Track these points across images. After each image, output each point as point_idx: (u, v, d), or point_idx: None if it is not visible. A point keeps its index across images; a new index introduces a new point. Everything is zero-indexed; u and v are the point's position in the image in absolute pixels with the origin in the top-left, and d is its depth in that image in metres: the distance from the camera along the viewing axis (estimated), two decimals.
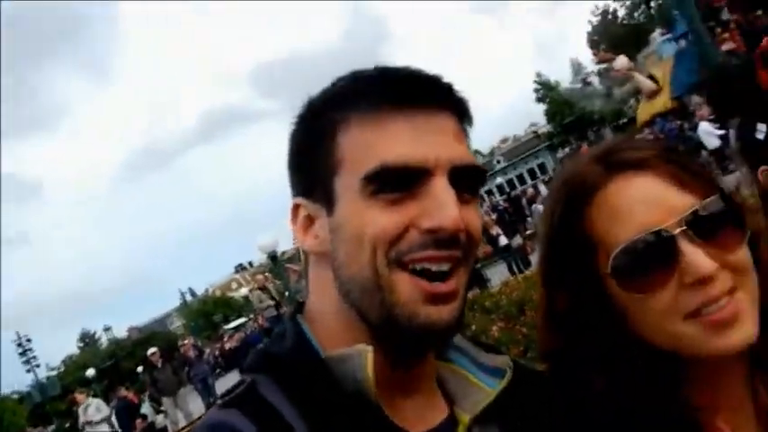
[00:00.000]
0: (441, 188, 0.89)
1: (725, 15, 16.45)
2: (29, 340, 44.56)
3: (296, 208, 0.98)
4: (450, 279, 0.90)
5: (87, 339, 72.73)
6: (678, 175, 0.93)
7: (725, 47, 13.66)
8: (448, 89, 0.96)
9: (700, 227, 0.89)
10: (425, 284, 0.88)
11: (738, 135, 1.75)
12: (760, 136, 1.58)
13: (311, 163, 0.96)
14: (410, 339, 0.90)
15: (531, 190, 31.97)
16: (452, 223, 0.88)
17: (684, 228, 0.89)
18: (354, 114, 0.92)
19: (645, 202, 0.92)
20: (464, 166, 0.92)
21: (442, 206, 0.88)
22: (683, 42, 19.34)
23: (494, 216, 23.90)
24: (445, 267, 0.90)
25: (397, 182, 0.89)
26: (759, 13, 14.66)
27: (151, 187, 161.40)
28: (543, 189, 30.07)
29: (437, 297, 0.89)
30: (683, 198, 0.92)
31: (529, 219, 23.84)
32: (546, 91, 54.33)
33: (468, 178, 0.93)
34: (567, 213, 0.98)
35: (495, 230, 18.55)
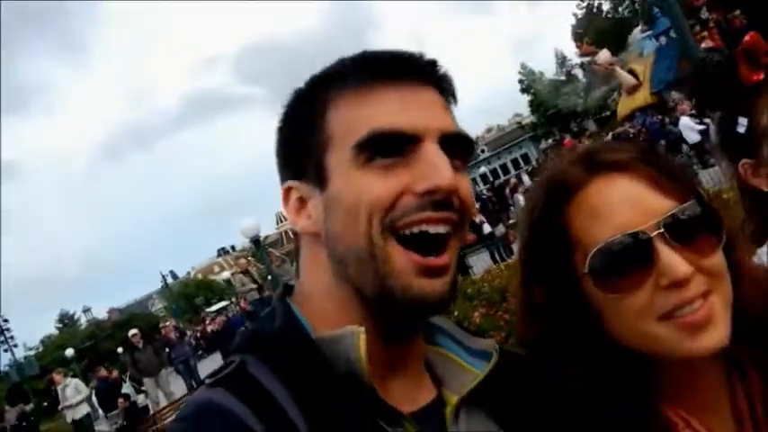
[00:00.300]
0: (432, 152, 0.90)
1: (704, 14, 16.67)
2: (6, 320, 44.13)
3: (287, 191, 0.99)
4: (443, 253, 0.91)
5: (66, 320, 71.84)
6: (658, 178, 0.94)
7: (704, 45, 13.83)
8: (431, 65, 0.98)
9: (677, 230, 0.90)
10: (418, 258, 0.89)
11: (719, 129, 1.75)
12: (741, 130, 1.58)
13: (302, 145, 0.96)
14: (404, 311, 0.91)
15: (514, 180, 32.11)
16: (447, 183, 0.89)
17: (662, 230, 0.90)
18: (342, 92, 0.94)
19: (624, 204, 0.93)
20: (453, 133, 0.95)
21: (436, 168, 0.89)
22: (663, 39, 19.57)
23: (477, 205, 24.06)
24: (442, 230, 0.91)
25: (388, 147, 0.90)
26: (737, 12, 14.91)
27: (133, 169, 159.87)
28: (526, 179, 30.26)
29: (430, 270, 0.90)
30: (661, 201, 0.92)
31: (512, 208, 23.99)
32: (530, 82, 54.33)
33: (456, 147, 0.95)
34: (547, 211, 1.00)
35: (479, 218, 18.68)
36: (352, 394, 0.87)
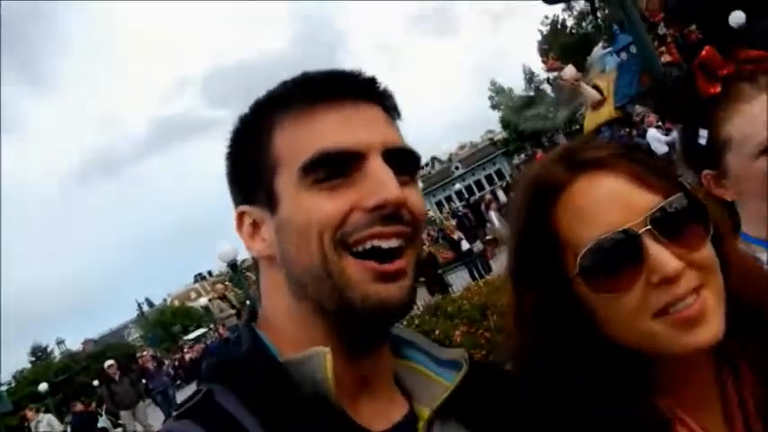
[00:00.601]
0: (377, 168, 0.91)
1: (662, 30, 17.18)
2: None
3: (240, 216, 1.00)
4: (398, 259, 0.91)
5: (39, 353, 69.85)
6: (641, 174, 0.94)
7: (663, 59, 14.19)
8: (370, 81, 0.99)
9: (664, 225, 0.90)
10: (374, 264, 0.90)
11: (681, 141, 1.79)
12: (702, 141, 1.59)
13: (251, 170, 0.97)
14: (365, 321, 0.91)
15: (488, 196, 32.43)
16: (394, 197, 0.89)
17: (649, 227, 0.90)
18: (285, 115, 0.96)
19: (609, 202, 0.92)
20: (397, 148, 0.95)
21: (382, 183, 0.90)
22: (623, 55, 20.05)
23: (454, 222, 24.19)
24: (395, 243, 0.91)
25: (334, 168, 0.91)
26: (693, 27, 15.45)
27: (105, 197, 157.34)
28: (501, 195, 30.56)
29: (385, 275, 0.90)
30: (646, 197, 0.92)
31: (488, 224, 24.14)
32: (500, 98, 54.85)
33: (402, 161, 0.95)
34: (533, 215, 0.99)
35: (457, 235, 18.76)
36: (321, 416, 0.86)
